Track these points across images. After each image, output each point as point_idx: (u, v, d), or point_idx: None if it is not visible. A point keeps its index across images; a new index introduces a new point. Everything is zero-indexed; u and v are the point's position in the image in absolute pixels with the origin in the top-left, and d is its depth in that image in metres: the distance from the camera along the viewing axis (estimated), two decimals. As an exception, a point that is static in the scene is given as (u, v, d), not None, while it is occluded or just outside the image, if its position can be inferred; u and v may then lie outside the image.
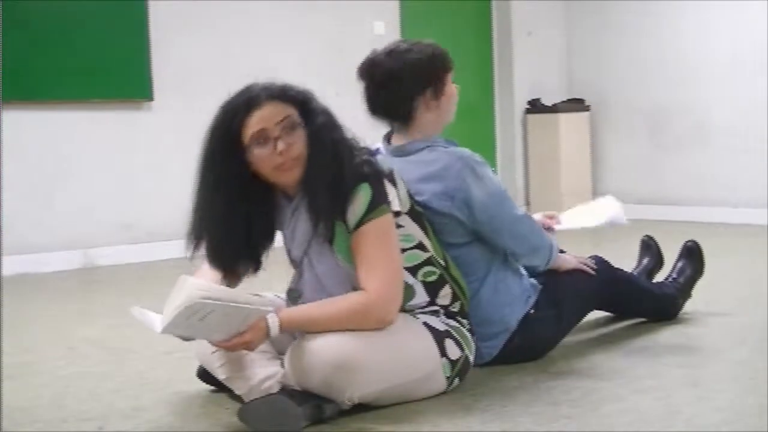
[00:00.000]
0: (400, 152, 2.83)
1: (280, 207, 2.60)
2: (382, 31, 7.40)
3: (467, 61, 8.06)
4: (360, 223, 2.43)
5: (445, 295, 2.66)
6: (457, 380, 2.60)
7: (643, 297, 3.42)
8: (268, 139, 2.42)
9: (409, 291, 2.58)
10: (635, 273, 3.62)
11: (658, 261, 3.76)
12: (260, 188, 2.53)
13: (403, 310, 2.53)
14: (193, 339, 2.42)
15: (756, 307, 3.76)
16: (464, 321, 2.69)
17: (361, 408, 2.43)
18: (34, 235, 5.84)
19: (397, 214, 2.53)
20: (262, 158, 2.44)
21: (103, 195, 6.18)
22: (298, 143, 2.44)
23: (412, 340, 2.50)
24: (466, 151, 2.85)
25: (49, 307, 4.61)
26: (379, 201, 2.46)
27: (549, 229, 3.15)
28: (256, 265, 2.63)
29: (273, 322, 2.34)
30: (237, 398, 2.50)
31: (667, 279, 3.60)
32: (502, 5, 8.30)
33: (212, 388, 2.73)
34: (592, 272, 3.10)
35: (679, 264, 3.63)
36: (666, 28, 7.81)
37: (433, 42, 2.91)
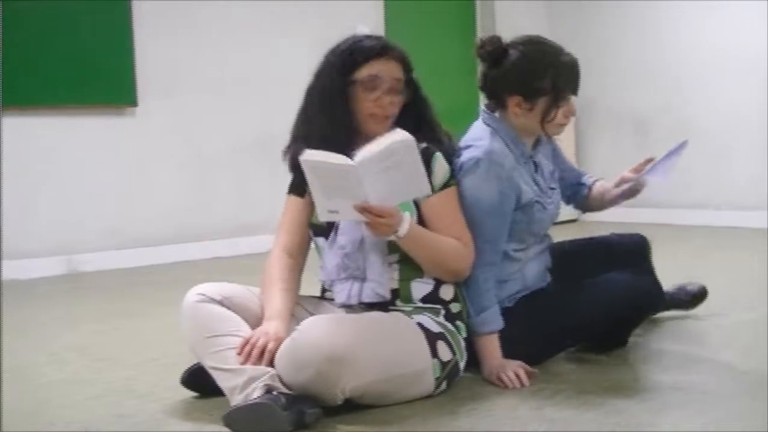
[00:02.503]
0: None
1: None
2: (367, 32, 7.38)
3: (451, 64, 8.08)
4: (447, 184, 2.69)
5: (447, 291, 2.71)
6: (445, 384, 2.61)
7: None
8: (376, 88, 2.63)
9: (422, 270, 2.67)
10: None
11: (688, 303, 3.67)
12: (340, 126, 2.65)
13: (408, 300, 2.65)
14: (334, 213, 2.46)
15: (745, 309, 3.78)
16: (462, 326, 2.71)
17: (346, 410, 2.43)
18: (18, 241, 5.81)
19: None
20: (362, 101, 2.63)
21: (87, 201, 6.16)
22: (396, 105, 2.67)
23: (404, 336, 2.52)
24: (490, 150, 2.80)
25: (33, 314, 4.58)
26: (453, 172, 2.73)
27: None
28: None
29: (407, 217, 2.50)
30: (221, 404, 2.48)
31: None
32: (487, 7, 8.32)
33: (196, 394, 2.73)
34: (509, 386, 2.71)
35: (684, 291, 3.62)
36: (649, 32, 7.85)
37: (572, 61, 2.93)
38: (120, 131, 6.33)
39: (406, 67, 2.71)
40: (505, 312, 2.81)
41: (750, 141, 7.13)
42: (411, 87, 2.72)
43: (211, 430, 2.44)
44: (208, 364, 2.51)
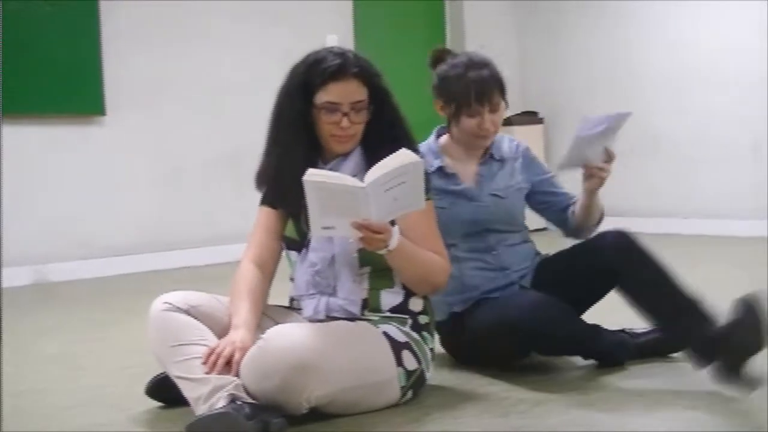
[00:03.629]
0: None
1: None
2: (336, 44, 7.43)
3: (421, 75, 8.07)
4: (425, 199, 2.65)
5: (417, 302, 2.73)
6: (410, 393, 2.63)
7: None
8: (336, 111, 2.63)
9: (392, 281, 2.70)
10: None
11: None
12: (299, 146, 2.69)
13: (376, 309, 2.67)
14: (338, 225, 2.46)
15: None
16: (429, 338, 2.73)
17: (312, 421, 2.45)
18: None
19: None
20: (323, 123, 2.66)
21: (55, 210, 6.14)
22: (359, 124, 2.68)
23: (369, 345, 2.54)
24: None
25: (2, 324, 4.55)
26: (428, 186, 2.70)
27: None
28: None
29: (396, 231, 2.51)
30: (186, 413, 2.48)
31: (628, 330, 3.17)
32: (456, 19, 8.38)
33: (162, 404, 2.73)
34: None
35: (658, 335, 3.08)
36: (616, 42, 7.93)
37: (478, 76, 3.08)
38: (88, 141, 6.32)
39: (371, 81, 2.69)
40: (455, 317, 3.03)
41: (717, 151, 7.22)
42: (378, 99, 2.72)
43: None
44: (173, 373, 2.51)
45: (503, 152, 3.23)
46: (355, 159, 2.72)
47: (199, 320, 2.58)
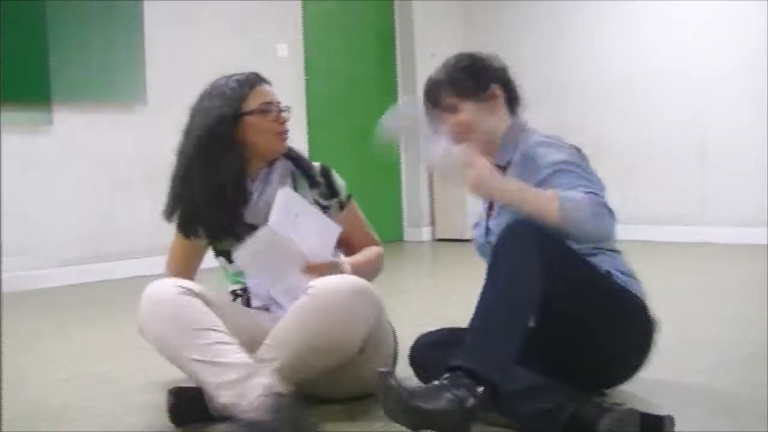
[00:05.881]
0: None
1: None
2: (286, 53, 7.43)
3: (371, 85, 8.15)
4: (349, 195, 2.93)
5: None
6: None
7: None
8: (271, 110, 2.76)
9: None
10: None
11: None
12: (237, 161, 2.74)
13: None
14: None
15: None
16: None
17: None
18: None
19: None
20: (265, 124, 2.75)
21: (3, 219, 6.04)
22: (288, 122, 2.83)
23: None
24: None
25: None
26: (334, 189, 2.93)
27: None
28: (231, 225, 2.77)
29: (343, 259, 2.74)
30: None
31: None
32: (406, 27, 8.40)
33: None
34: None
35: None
36: (563, 51, 8.01)
37: None
38: (35, 146, 6.24)
39: None
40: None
41: (659, 158, 7.34)
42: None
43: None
44: (191, 356, 2.40)
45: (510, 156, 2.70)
46: (279, 167, 2.84)
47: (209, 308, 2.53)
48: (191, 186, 2.75)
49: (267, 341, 2.48)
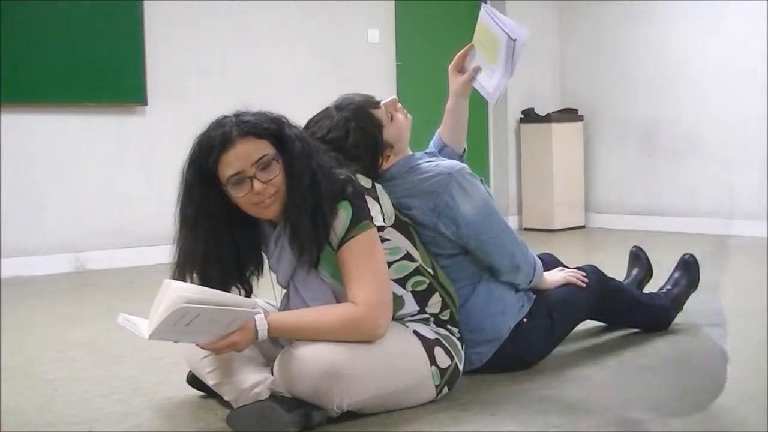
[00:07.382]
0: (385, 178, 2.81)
1: (265, 235, 2.60)
2: (377, 38, 7.41)
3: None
4: (343, 241, 2.44)
5: (434, 303, 2.66)
6: (446, 389, 2.60)
7: (635, 307, 3.40)
8: (243, 180, 2.39)
9: (398, 302, 2.58)
10: (627, 283, 3.61)
11: (647, 271, 3.75)
12: (244, 217, 2.50)
13: (393, 319, 2.53)
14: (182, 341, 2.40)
15: (750, 320, 3.78)
16: (454, 329, 2.69)
17: (350, 415, 2.42)
18: (25, 238, 5.83)
19: (380, 228, 2.53)
20: (240, 198, 2.42)
21: (94, 199, 6.16)
22: (274, 179, 2.41)
23: (401, 347, 2.50)
24: (455, 164, 2.85)
25: (39, 311, 4.59)
26: (360, 217, 2.45)
27: None
28: (247, 290, 2.60)
29: (261, 324, 2.32)
30: (226, 404, 2.50)
31: (661, 290, 3.60)
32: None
33: (202, 393, 2.73)
34: (582, 284, 3.09)
35: (675, 275, 3.65)
36: (656, 42, 7.84)
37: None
38: (128, 129, 6.33)
39: (267, 133, 2.44)
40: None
41: (754, 151, 7.14)
42: (286, 149, 2.45)
43: (216, 429, 2.44)
44: (210, 383, 2.54)
45: None
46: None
47: None
48: (198, 243, 2.51)
49: None
